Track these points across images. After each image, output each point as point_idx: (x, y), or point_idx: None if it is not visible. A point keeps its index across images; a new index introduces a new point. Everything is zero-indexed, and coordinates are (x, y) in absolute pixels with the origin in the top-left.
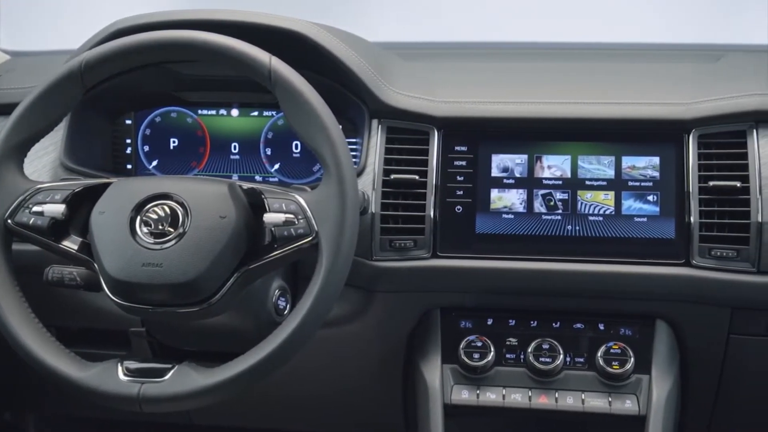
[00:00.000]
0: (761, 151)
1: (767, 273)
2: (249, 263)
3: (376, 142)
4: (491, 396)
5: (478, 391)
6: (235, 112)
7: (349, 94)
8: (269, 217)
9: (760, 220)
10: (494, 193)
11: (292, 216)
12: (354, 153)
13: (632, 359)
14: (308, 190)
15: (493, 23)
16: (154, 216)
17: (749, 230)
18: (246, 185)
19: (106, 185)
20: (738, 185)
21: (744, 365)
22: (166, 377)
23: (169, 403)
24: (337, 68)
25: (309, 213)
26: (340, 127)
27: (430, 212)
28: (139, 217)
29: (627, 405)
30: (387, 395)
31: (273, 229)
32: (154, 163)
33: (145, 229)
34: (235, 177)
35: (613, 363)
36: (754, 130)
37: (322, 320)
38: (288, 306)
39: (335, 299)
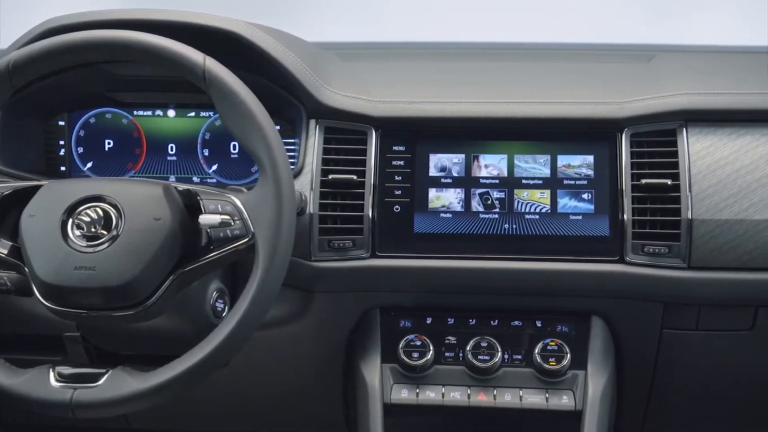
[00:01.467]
0: (690, 149)
1: (697, 268)
2: (185, 265)
3: (313, 142)
4: (431, 395)
5: (417, 390)
6: (171, 112)
7: (286, 95)
8: (205, 219)
9: (690, 216)
10: (432, 193)
11: (228, 217)
12: (292, 153)
13: (568, 355)
14: (245, 191)
15: (432, 23)
16: (87, 218)
17: (680, 227)
18: (181, 186)
19: (37, 188)
20: (669, 183)
21: (676, 359)
22: (100, 382)
23: (103, 408)
24: (274, 68)
25: (245, 214)
26: (278, 127)
27: (369, 212)
28: (71, 220)
29: (564, 401)
30: (328, 395)
31: (209, 230)
32: (89, 164)
33: (77, 232)
34: (172, 178)
35: (550, 359)
36: (684, 129)
37: (259, 322)
38: (226, 308)
39: (272, 300)
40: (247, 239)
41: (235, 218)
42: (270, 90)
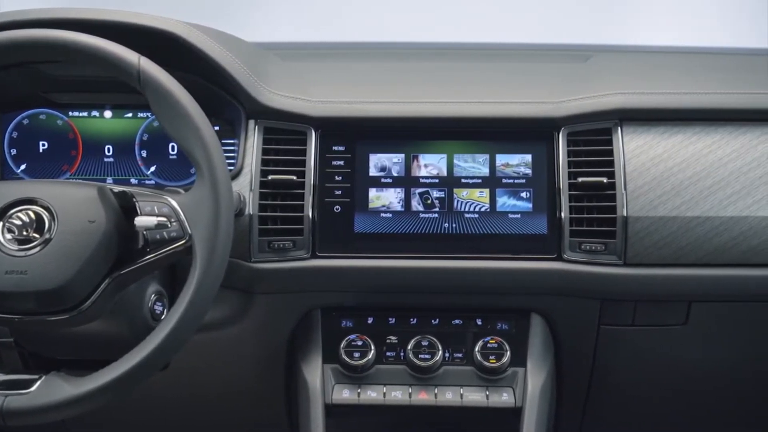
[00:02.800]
0: (625, 147)
1: (633, 265)
2: (121, 268)
3: (253, 143)
4: (372, 394)
5: (359, 390)
6: (108, 113)
7: (225, 95)
8: (140, 221)
9: (625, 214)
10: (372, 193)
11: (164, 219)
12: (231, 154)
13: (508, 353)
14: (182, 192)
15: (373, 23)
16: (18, 222)
17: (616, 224)
18: (117, 188)
19: None
20: (605, 181)
21: (613, 355)
22: (33, 388)
23: (35, 415)
24: (212, 68)
25: (182, 216)
26: (217, 128)
27: (309, 212)
28: (1, 224)
29: (504, 398)
30: (269, 397)
31: (145, 232)
32: (23, 167)
33: (8, 236)
34: (109, 180)
35: (490, 357)
36: (619, 128)
37: (198, 324)
38: (165, 310)
39: (210, 302)
40: (184, 241)
41: (172, 220)
42: (209, 90)
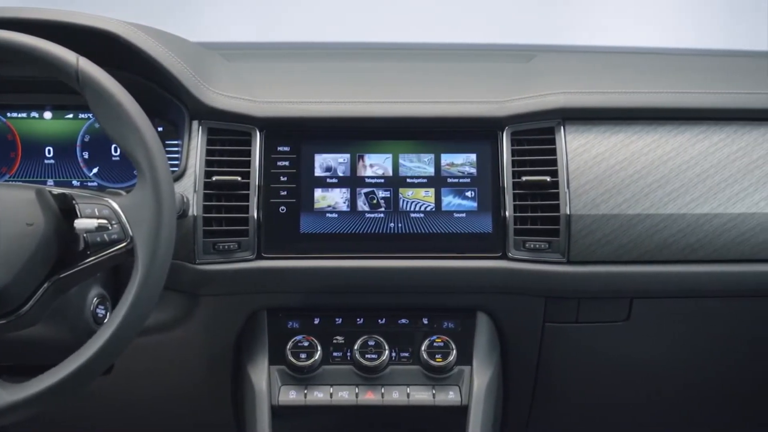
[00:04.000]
0: (568, 146)
1: (576, 263)
2: (60, 272)
3: (196, 143)
4: (319, 395)
5: (305, 391)
6: (48, 114)
7: (167, 96)
8: (80, 223)
9: (568, 212)
10: (318, 193)
11: (105, 221)
12: (175, 155)
13: (454, 351)
14: (123, 194)
15: (319, 23)
16: None
17: (559, 222)
18: (56, 190)
19: None
20: (548, 180)
21: (558, 352)
22: None
23: None
24: (153, 68)
25: (123, 218)
26: (161, 129)
27: (254, 213)
28: None
29: (450, 396)
30: (216, 399)
31: (85, 235)
32: None
33: None
34: (50, 182)
35: (437, 356)
36: (562, 127)
37: (140, 327)
38: (108, 314)
39: (153, 305)
40: (125, 243)
41: (113, 222)
42: (151, 91)
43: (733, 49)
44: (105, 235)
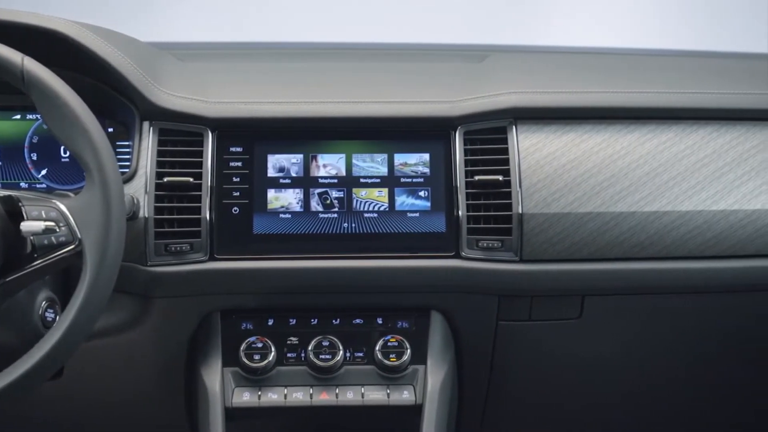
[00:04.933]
0: (520, 146)
1: (529, 261)
2: (7, 275)
3: (147, 144)
4: (273, 396)
5: (259, 393)
6: None
7: (117, 96)
8: (27, 226)
9: (520, 211)
10: (271, 193)
11: (52, 223)
12: (126, 156)
13: (408, 351)
14: (71, 195)
15: (273, 23)
16: None
17: (512, 221)
18: (1, 192)
19: None
20: (500, 179)
21: (512, 351)
22: None
23: None
24: (102, 69)
25: (71, 220)
26: (111, 130)
27: (206, 214)
28: None
29: (404, 395)
30: (170, 402)
31: (32, 238)
32: None
33: None
34: None
35: (391, 356)
36: (513, 126)
37: (89, 330)
38: (57, 317)
39: (102, 307)
40: (73, 246)
41: (61, 224)
42: (101, 92)
43: (682, 49)
44: (52, 238)
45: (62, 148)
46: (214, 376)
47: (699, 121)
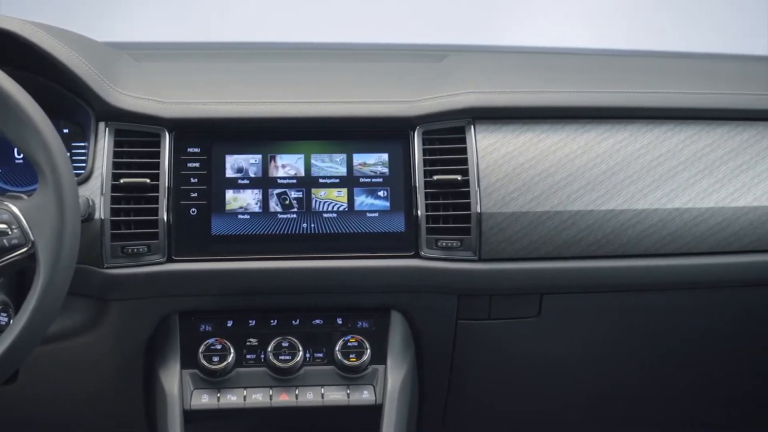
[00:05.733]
0: (478, 145)
1: (487, 260)
2: None
3: (103, 145)
4: (232, 398)
5: (218, 395)
6: None
7: (72, 96)
8: None
9: (479, 210)
10: (229, 194)
11: (4, 226)
12: (82, 157)
13: (368, 351)
14: (24, 197)
15: (232, 23)
16: None
17: (470, 221)
18: None
19: None
20: (459, 178)
21: (471, 350)
22: None
23: None
24: (56, 69)
25: (24, 222)
26: (66, 130)
27: (164, 216)
28: None
29: (364, 395)
30: (128, 405)
31: None
32: None
33: None
34: None
35: (351, 356)
36: (472, 126)
37: (42, 334)
38: (11, 321)
39: (56, 311)
40: (26, 248)
41: (13, 226)
42: (55, 92)
43: (638, 49)
44: (4, 240)
45: (16, 149)
46: (172, 379)
47: (654, 120)
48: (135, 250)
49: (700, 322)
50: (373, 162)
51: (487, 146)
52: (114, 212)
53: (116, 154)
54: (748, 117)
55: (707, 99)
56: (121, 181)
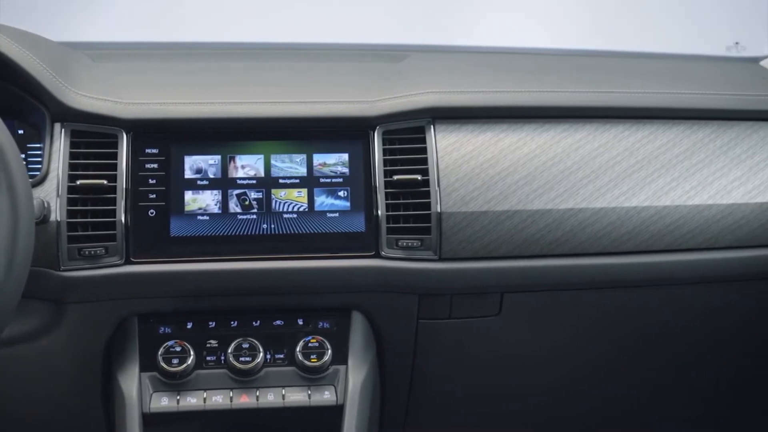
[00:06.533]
0: (438, 145)
1: (448, 259)
2: None
3: (59, 146)
4: (192, 400)
5: (178, 397)
6: None
7: (27, 97)
8: None
9: (439, 210)
10: (188, 195)
11: None
12: (38, 159)
13: (329, 351)
14: None
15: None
16: None
17: (430, 220)
18: None
19: None
20: (419, 178)
21: (433, 348)
22: None
23: None
24: (9, 69)
25: None
26: (21, 132)
27: (121, 217)
28: None
29: (325, 396)
30: (87, 408)
31: None
32: None
33: None
34: None
35: (312, 356)
36: (432, 126)
37: None
38: None
39: (11, 315)
40: None
41: None
42: (9, 92)
43: (595, 49)
44: None
45: None
46: (131, 382)
47: (611, 120)
48: (92, 252)
49: (660, 320)
50: (334, 162)
51: (446, 146)
52: (70, 214)
53: (72, 156)
54: (703, 116)
55: (662, 98)
56: (78, 182)
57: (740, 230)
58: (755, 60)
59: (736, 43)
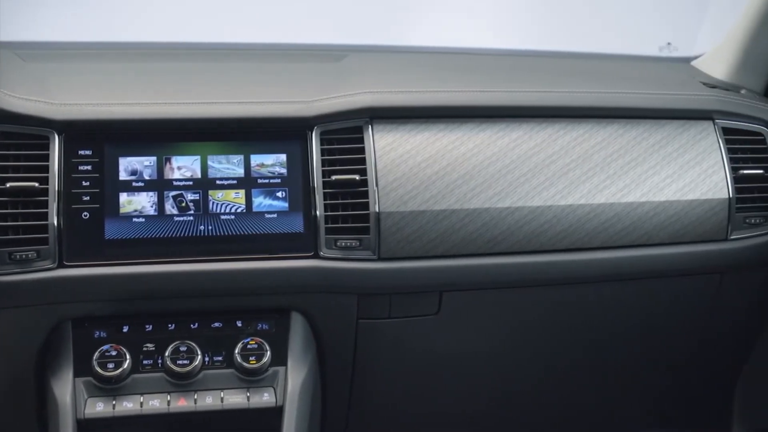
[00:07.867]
0: (376, 145)
1: (386, 259)
2: None
3: None
4: (128, 405)
5: (114, 402)
6: None
7: None
8: None
9: (377, 210)
10: (123, 197)
11: None
12: None
13: (269, 353)
14: None
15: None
16: None
17: (369, 220)
18: None
19: None
20: (357, 178)
21: (373, 349)
22: None
23: None
24: None
25: None
26: None
27: (54, 220)
28: None
29: (264, 398)
30: (20, 415)
31: None
32: None
33: None
34: None
35: (251, 358)
36: (369, 126)
37: None
38: None
39: None
40: None
41: None
42: None
43: (534, 49)
44: None
45: None
46: (64, 388)
47: (546, 119)
48: (23, 256)
49: (599, 317)
50: (271, 163)
51: (384, 146)
52: (0, 217)
53: (2, 158)
54: (635, 115)
55: (596, 98)
56: (8, 185)
57: (673, 226)
58: (686, 60)
59: (669, 43)
